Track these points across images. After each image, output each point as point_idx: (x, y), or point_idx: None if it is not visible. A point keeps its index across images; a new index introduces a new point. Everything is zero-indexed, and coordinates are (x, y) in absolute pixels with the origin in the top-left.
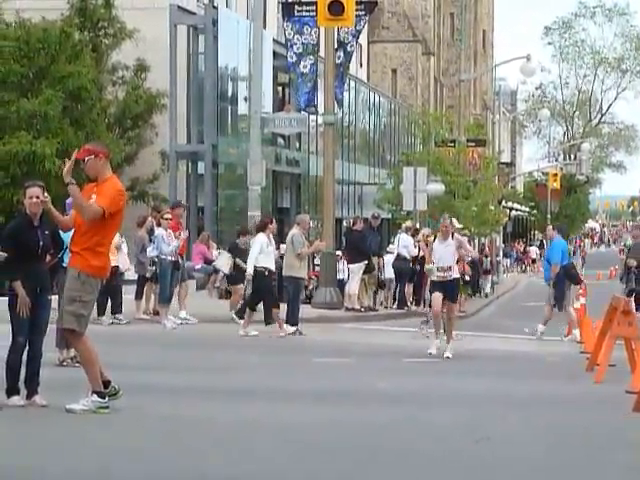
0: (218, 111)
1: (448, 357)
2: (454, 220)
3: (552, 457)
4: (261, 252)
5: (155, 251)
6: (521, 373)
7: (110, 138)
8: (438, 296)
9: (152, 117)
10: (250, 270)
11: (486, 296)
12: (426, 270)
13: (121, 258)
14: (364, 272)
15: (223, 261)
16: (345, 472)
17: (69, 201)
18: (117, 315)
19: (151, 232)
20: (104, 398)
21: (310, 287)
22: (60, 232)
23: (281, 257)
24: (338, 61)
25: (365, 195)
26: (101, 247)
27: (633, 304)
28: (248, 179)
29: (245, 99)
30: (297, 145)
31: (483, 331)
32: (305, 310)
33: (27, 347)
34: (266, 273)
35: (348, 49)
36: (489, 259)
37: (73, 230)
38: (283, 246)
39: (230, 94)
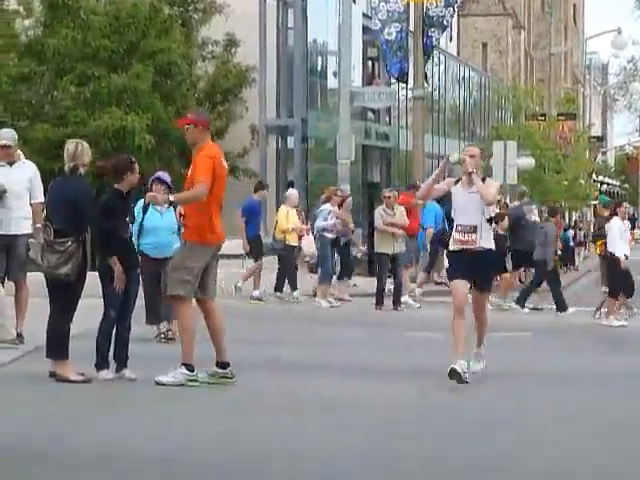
0: (308, 85)
1: (463, 373)
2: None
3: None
4: (621, 238)
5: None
6: (615, 348)
7: (192, 111)
8: (461, 285)
9: (242, 92)
10: (621, 255)
11: (576, 269)
12: (449, 157)
13: (306, 241)
14: None
15: None
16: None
17: (158, 175)
18: (278, 293)
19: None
20: (192, 371)
21: None
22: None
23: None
24: (431, 38)
25: (455, 169)
26: (204, 215)
27: None
28: (337, 153)
29: (334, 73)
30: (387, 119)
31: (577, 305)
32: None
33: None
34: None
35: (444, 23)
36: (582, 232)
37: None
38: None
39: (319, 68)
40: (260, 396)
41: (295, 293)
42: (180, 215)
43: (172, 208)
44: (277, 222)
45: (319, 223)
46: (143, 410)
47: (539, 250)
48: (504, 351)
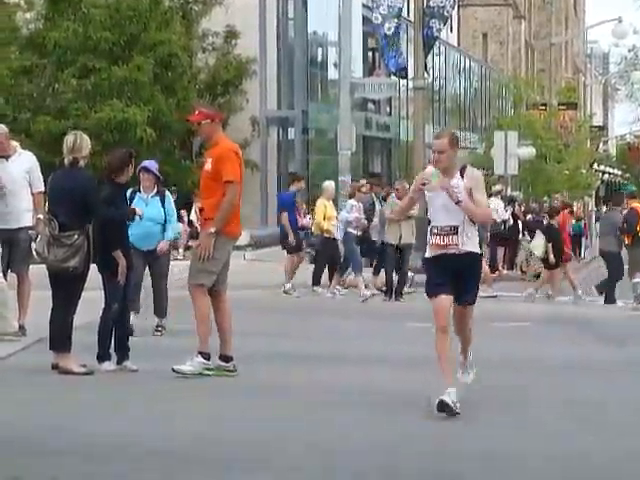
0: (308, 76)
1: (454, 405)
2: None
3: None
4: None
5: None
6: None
7: (201, 105)
8: (444, 302)
9: (242, 83)
10: None
11: (578, 261)
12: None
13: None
14: None
15: (538, 242)
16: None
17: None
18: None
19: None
20: (208, 360)
21: None
22: None
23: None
24: (432, 29)
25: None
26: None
27: None
28: (338, 144)
29: (335, 64)
30: (388, 110)
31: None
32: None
33: None
34: None
35: (445, 14)
36: (583, 222)
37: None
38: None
39: (320, 59)
40: (261, 392)
41: (315, 288)
42: (200, 210)
43: (157, 198)
44: (316, 216)
45: (342, 215)
46: (144, 405)
47: (603, 240)
48: (505, 343)
